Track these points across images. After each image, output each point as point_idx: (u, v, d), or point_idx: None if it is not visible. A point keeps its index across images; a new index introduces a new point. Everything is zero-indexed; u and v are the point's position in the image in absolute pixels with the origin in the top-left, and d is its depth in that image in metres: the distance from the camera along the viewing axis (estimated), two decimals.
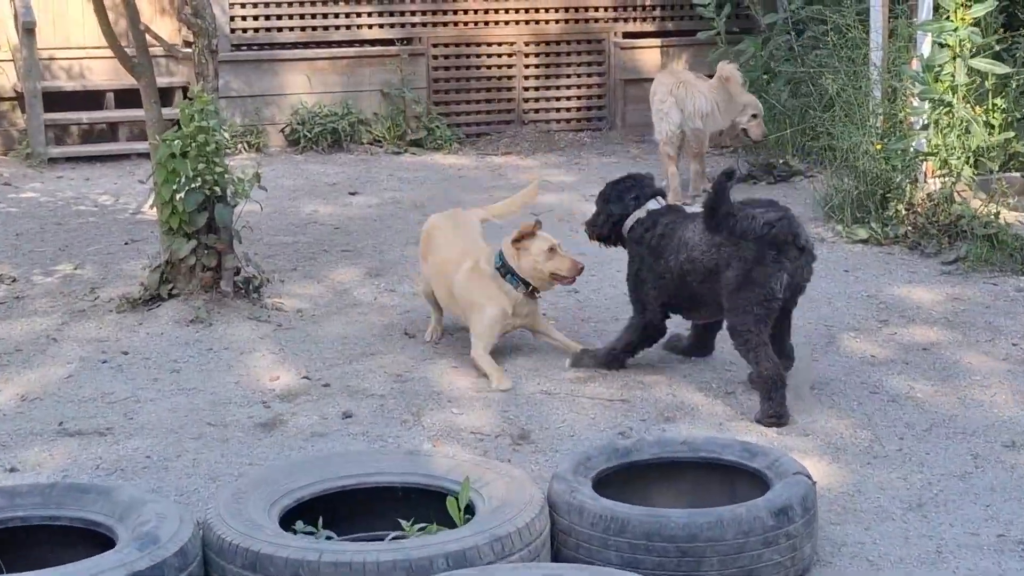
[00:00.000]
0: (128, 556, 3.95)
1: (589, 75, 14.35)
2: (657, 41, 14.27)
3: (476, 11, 13.91)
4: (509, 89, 14.10)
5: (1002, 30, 9.32)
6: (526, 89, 14.18)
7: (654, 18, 14.35)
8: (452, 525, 4.26)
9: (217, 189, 7.22)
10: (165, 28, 12.31)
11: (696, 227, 6.03)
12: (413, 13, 13.71)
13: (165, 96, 8.11)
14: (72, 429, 5.83)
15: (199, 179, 7.15)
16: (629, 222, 6.41)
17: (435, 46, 13.75)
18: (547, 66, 14.23)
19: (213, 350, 6.86)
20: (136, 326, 7.21)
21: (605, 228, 6.61)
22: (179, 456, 5.52)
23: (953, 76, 8.53)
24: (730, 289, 5.79)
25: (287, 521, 4.34)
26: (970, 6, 8.52)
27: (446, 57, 13.87)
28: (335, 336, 7.09)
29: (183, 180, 7.14)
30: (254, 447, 5.62)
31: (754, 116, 10.34)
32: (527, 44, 14.08)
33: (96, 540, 4.21)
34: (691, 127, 10.32)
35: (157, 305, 7.43)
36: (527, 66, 14.15)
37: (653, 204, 6.38)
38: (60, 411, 6.06)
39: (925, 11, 8.88)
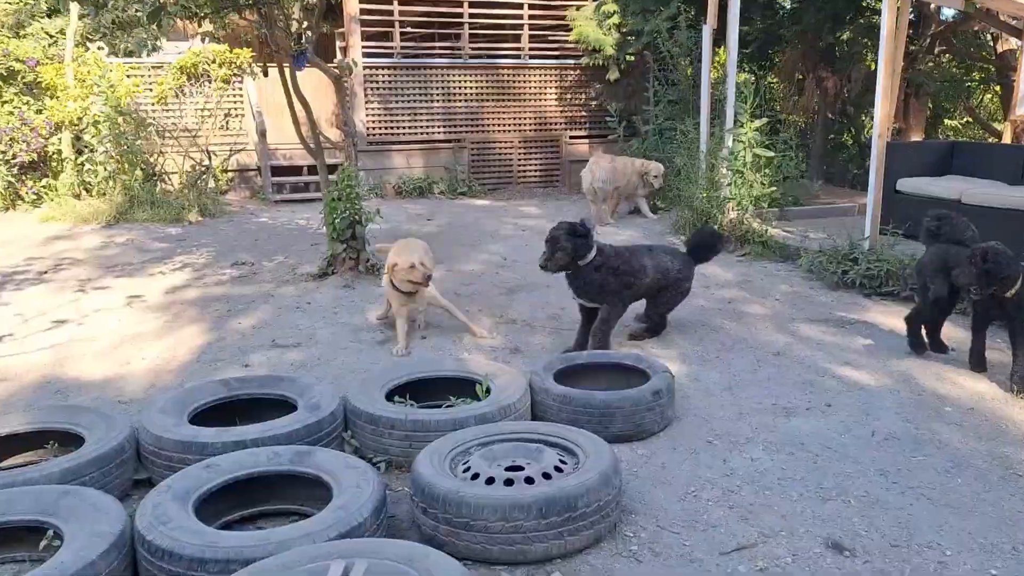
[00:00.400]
0: (303, 416, 3.74)
1: (551, 158, 13.97)
2: (586, 140, 13.93)
3: (493, 125, 13.53)
4: (509, 164, 13.76)
5: (769, 132, 8.95)
6: (519, 165, 13.83)
7: (585, 128, 13.98)
8: (478, 400, 4.00)
9: (357, 217, 6.94)
10: (332, 133, 12.03)
11: (648, 260, 5.28)
12: (461, 126, 13.32)
13: (332, 168, 7.81)
14: (278, 344, 5.57)
15: (347, 212, 6.88)
16: (588, 259, 5.00)
17: (472, 143, 13.40)
18: (529, 153, 13.86)
19: (354, 302, 6.58)
20: (315, 289, 6.94)
21: (564, 263, 4.99)
22: (334, 359, 5.26)
23: (745, 157, 8.23)
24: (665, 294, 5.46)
25: (390, 396, 4.09)
26: (753, 121, 8.22)
27: (478, 149, 13.50)
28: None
29: (339, 212, 6.87)
30: (374, 354, 5.35)
31: (655, 177, 9.89)
32: (520, 142, 13.72)
33: (287, 407, 3.95)
34: (597, 186, 9.96)
35: (325, 278, 7.15)
36: (519, 153, 13.79)
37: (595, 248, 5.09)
38: (273, 333, 5.79)
39: (729, 122, 8.54)
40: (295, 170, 12.41)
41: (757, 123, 8.25)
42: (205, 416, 3.90)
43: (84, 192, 10.79)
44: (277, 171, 12.20)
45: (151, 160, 11.05)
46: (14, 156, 10.48)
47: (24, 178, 10.75)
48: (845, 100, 13.07)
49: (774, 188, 8.47)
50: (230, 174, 12.17)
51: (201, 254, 8.46)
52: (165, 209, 10.28)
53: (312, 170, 12.21)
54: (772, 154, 8.41)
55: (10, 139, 10.39)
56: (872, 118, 7.38)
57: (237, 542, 2.69)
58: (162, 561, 2.66)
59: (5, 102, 10.62)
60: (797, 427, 4.11)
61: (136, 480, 3.56)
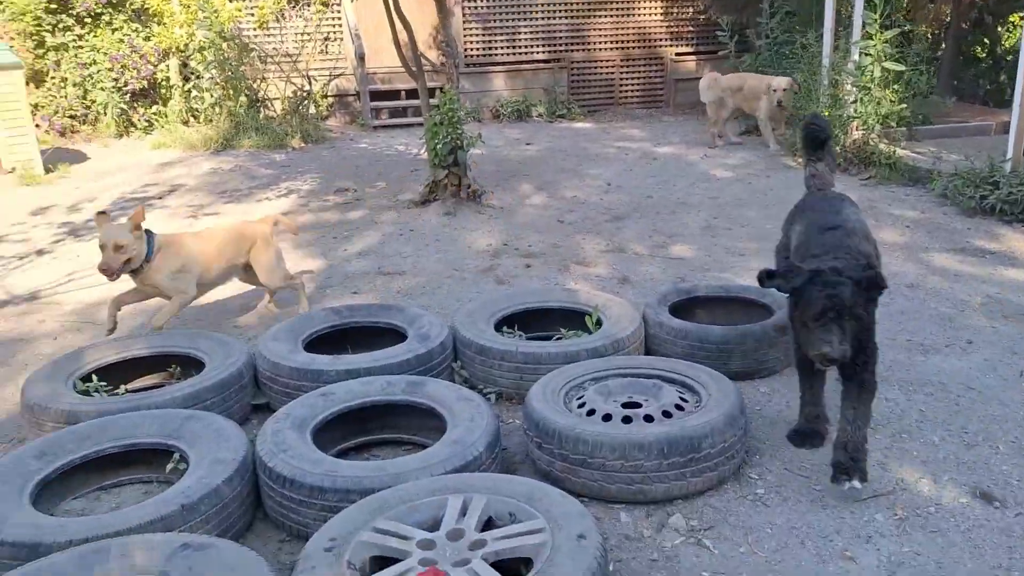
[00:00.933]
0: (413, 345, 3.69)
1: (655, 77, 13.39)
2: (693, 57, 13.24)
3: (594, 43, 13.02)
4: (610, 85, 13.27)
5: (899, 44, 8.21)
6: (620, 85, 13.32)
7: (692, 44, 13.28)
8: (589, 332, 3.87)
9: (459, 142, 6.80)
10: (431, 55, 11.83)
11: None
12: (561, 45, 12.87)
13: (432, 92, 7.65)
14: (383, 271, 5.57)
15: (448, 136, 6.74)
16: None
17: (572, 63, 12.96)
18: (631, 72, 13.31)
19: (456, 229, 6.51)
20: (416, 216, 6.89)
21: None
22: (439, 287, 5.21)
23: (873, 72, 7.60)
24: None
25: (498, 327, 4.00)
26: (883, 32, 7.54)
27: (578, 69, 13.05)
28: (521, 222, 6.69)
29: (440, 137, 6.74)
30: (478, 283, 5.28)
31: (776, 91, 8.61)
32: (621, 61, 13.18)
33: (396, 336, 3.93)
34: (708, 100, 9.45)
35: (427, 205, 7.08)
36: (621, 73, 13.27)
37: None
38: (377, 261, 5.80)
39: (856, 33, 7.88)
40: (393, 94, 12.31)
41: (887, 34, 7.57)
42: (317, 343, 3.92)
43: (192, 119, 11.03)
44: (375, 96, 12.14)
45: (254, 86, 11.15)
46: (126, 83, 10.76)
47: (136, 105, 11.06)
48: (982, 8, 11.90)
49: (903, 105, 7.81)
50: (329, 99, 12.19)
51: (305, 180, 8.54)
52: (269, 135, 10.41)
53: (410, 94, 12.11)
54: (903, 68, 7.72)
55: (122, 66, 10.66)
56: (1014, 27, 6.63)
57: (355, 472, 2.68)
58: (283, 488, 2.69)
59: (115, 29, 10.85)
60: (936, 365, 3.82)
61: (254, 405, 3.63)
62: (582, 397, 3.16)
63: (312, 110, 11.50)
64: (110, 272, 3.93)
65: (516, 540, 2.27)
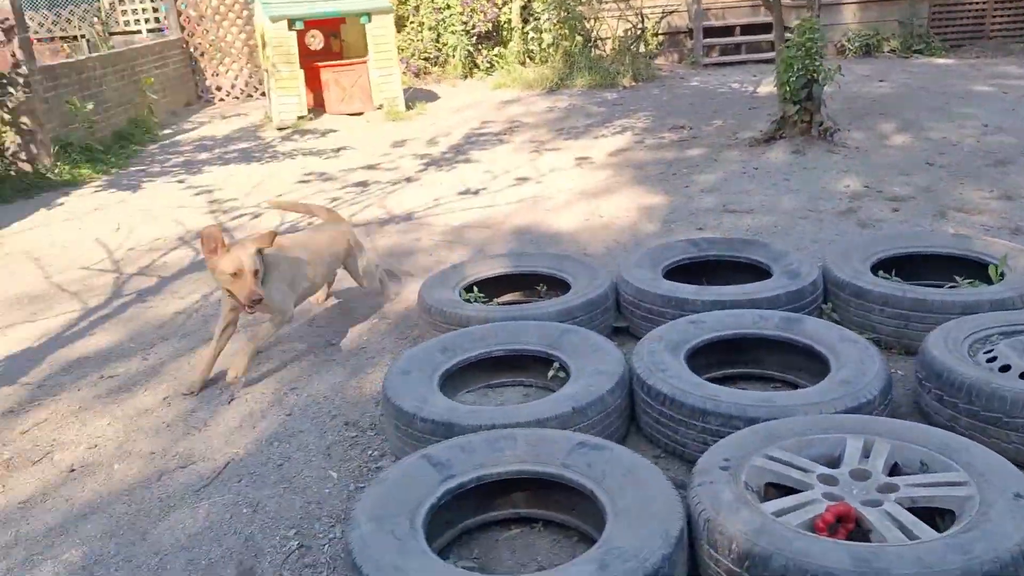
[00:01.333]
0: (781, 282, 3.59)
1: None
2: None
3: None
4: (980, 16, 11.62)
5: None
6: (992, 16, 11.59)
7: None
8: (990, 283, 3.45)
9: (815, 75, 6.38)
10: None
11: None
12: None
13: (765, 28, 7.24)
14: (730, 209, 5.44)
15: (804, 69, 6.35)
16: None
17: None
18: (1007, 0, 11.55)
19: (807, 168, 6.15)
20: (761, 154, 6.63)
21: None
22: (793, 228, 4.97)
23: None
24: None
25: (874, 270, 3.71)
26: None
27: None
28: (881, 163, 6.15)
29: (795, 69, 6.37)
30: (837, 225, 4.95)
31: None
32: None
33: (755, 272, 3.82)
34: None
35: (772, 142, 6.79)
36: (995, 1, 11.52)
37: None
38: (722, 198, 5.68)
39: None
40: (726, 31, 11.89)
41: None
42: (672, 273, 3.93)
43: (527, 59, 11.57)
44: (708, 32, 11.81)
45: (588, 26, 11.38)
46: (473, 26, 11.55)
47: (480, 47, 11.84)
48: None
49: None
50: (660, 37, 12.08)
51: (638, 118, 8.59)
52: (600, 74, 10.61)
53: (745, 30, 11.63)
54: None
55: (471, 10, 11.44)
56: None
57: (739, 399, 2.65)
58: (663, 406, 2.74)
59: None
60: None
61: (615, 327, 3.75)
62: (991, 351, 2.83)
63: (642, 48, 11.49)
64: (255, 304, 3.29)
65: (936, 489, 2.10)
